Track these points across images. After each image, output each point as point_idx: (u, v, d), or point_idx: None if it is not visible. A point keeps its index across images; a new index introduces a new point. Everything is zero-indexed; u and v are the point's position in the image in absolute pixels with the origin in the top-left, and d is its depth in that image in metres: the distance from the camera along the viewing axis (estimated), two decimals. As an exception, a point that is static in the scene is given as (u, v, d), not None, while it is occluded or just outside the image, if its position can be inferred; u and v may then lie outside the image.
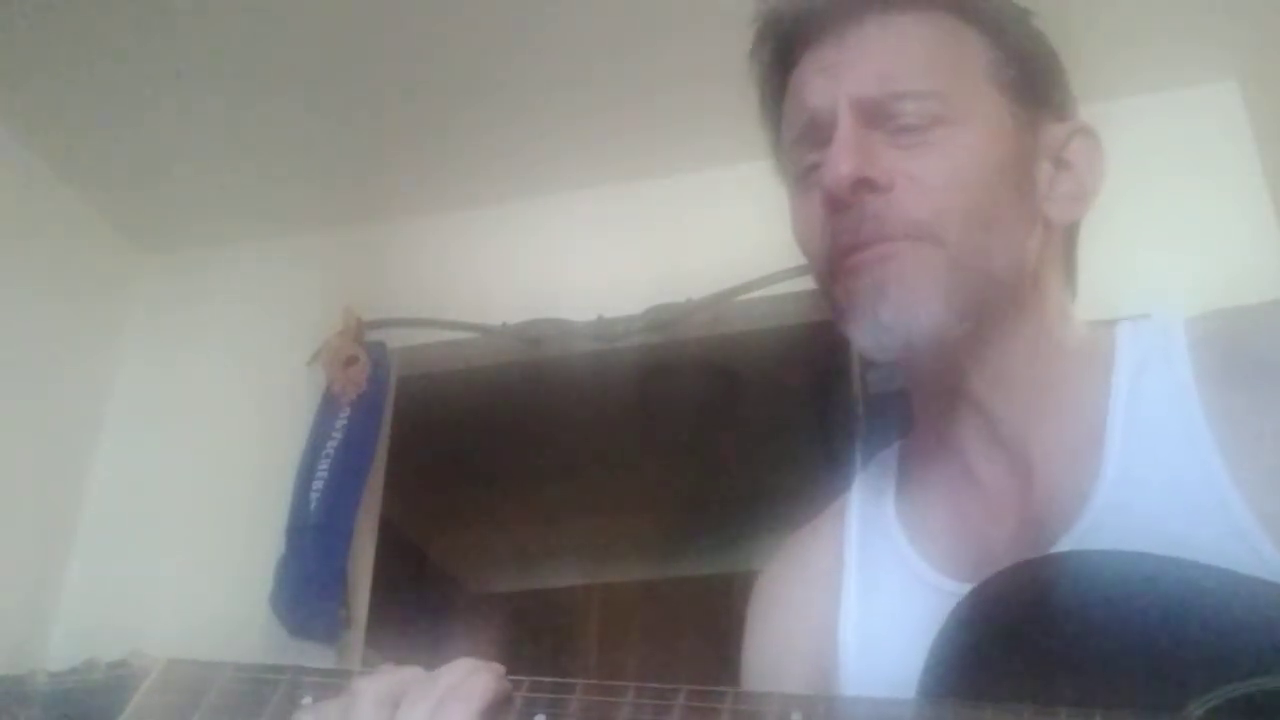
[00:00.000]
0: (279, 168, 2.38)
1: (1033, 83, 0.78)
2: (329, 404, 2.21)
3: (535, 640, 3.88)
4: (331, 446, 2.16)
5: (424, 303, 2.33)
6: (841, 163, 0.72)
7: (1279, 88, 2.01)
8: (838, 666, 0.78)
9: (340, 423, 2.18)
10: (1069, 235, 0.82)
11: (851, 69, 0.76)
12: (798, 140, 0.79)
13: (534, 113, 2.23)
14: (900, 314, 0.71)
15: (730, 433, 3.11)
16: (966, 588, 0.71)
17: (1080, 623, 0.61)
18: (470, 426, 2.89)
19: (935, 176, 0.72)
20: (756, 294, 2.15)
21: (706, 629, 3.67)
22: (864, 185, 0.72)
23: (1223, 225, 1.99)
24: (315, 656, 2.06)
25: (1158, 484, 0.68)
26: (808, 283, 2.38)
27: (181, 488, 2.32)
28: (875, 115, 0.74)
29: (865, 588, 0.80)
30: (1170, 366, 0.72)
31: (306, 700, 0.68)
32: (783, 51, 0.82)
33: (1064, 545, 0.69)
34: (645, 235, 2.33)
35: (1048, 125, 0.78)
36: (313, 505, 2.09)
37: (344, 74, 2.15)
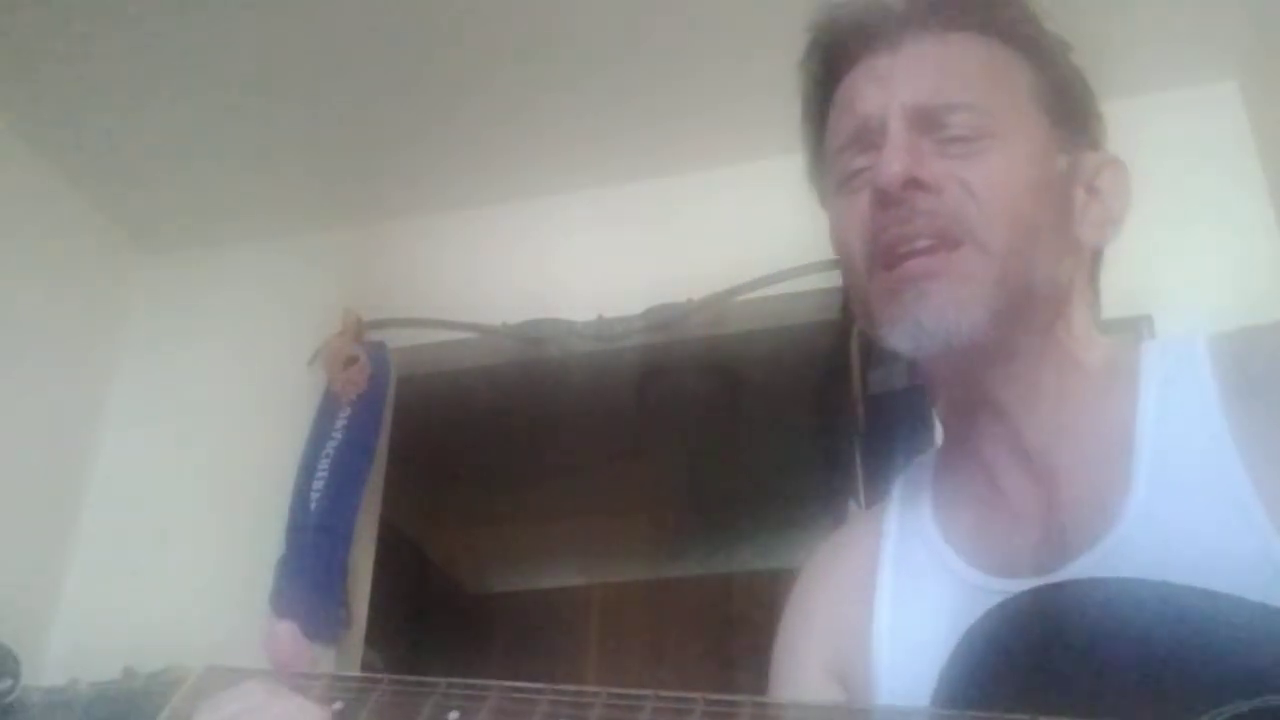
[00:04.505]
0: (279, 168, 2.38)
1: (1071, 111, 0.81)
2: (329, 404, 2.21)
3: (535, 640, 3.89)
4: (331, 446, 2.16)
5: (424, 303, 2.33)
6: (895, 161, 0.74)
7: (1279, 88, 2.01)
8: (870, 657, 0.79)
9: (340, 423, 2.18)
10: (1094, 261, 0.84)
11: (905, 78, 0.78)
12: (844, 147, 0.81)
13: (534, 113, 2.23)
14: (942, 318, 0.73)
15: (730, 433, 3.11)
16: (996, 581, 0.74)
17: (1094, 647, 0.62)
18: (470, 426, 2.89)
19: (984, 184, 0.74)
20: (756, 294, 2.16)
21: (706, 629, 3.68)
22: (915, 184, 0.74)
23: (1222, 225, 1.99)
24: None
25: (1185, 501, 0.69)
26: (808, 283, 2.38)
27: (182, 487, 2.32)
28: (926, 124, 0.76)
29: (900, 580, 0.82)
30: (1195, 384, 0.74)
31: (337, 705, 0.70)
32: (834, 61, 0.84)
33: (1091, 559, 0.70)
34: (645, 235, 2.33)
35: (1083, 153, 0.81)
36: (313, 505, 2.09)
37: (344, 74, 2.15)
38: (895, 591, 0.81)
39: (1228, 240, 1.97)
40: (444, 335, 2.32)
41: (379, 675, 0.72)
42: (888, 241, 0.75)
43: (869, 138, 0.78)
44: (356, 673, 0.74)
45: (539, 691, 0.66)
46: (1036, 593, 0.67)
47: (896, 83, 0.78)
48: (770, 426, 2.94)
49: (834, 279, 2.04)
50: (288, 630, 0.74)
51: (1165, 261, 1.87)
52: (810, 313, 2.15)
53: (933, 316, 0.73)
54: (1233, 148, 2.05)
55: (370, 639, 2.17)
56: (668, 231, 2.32)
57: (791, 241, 1.99)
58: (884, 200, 0.75)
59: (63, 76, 2.13)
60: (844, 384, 2.04)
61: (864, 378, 1.95)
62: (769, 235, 2.12)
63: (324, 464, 2.14)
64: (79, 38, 2.04)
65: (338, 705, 0.70)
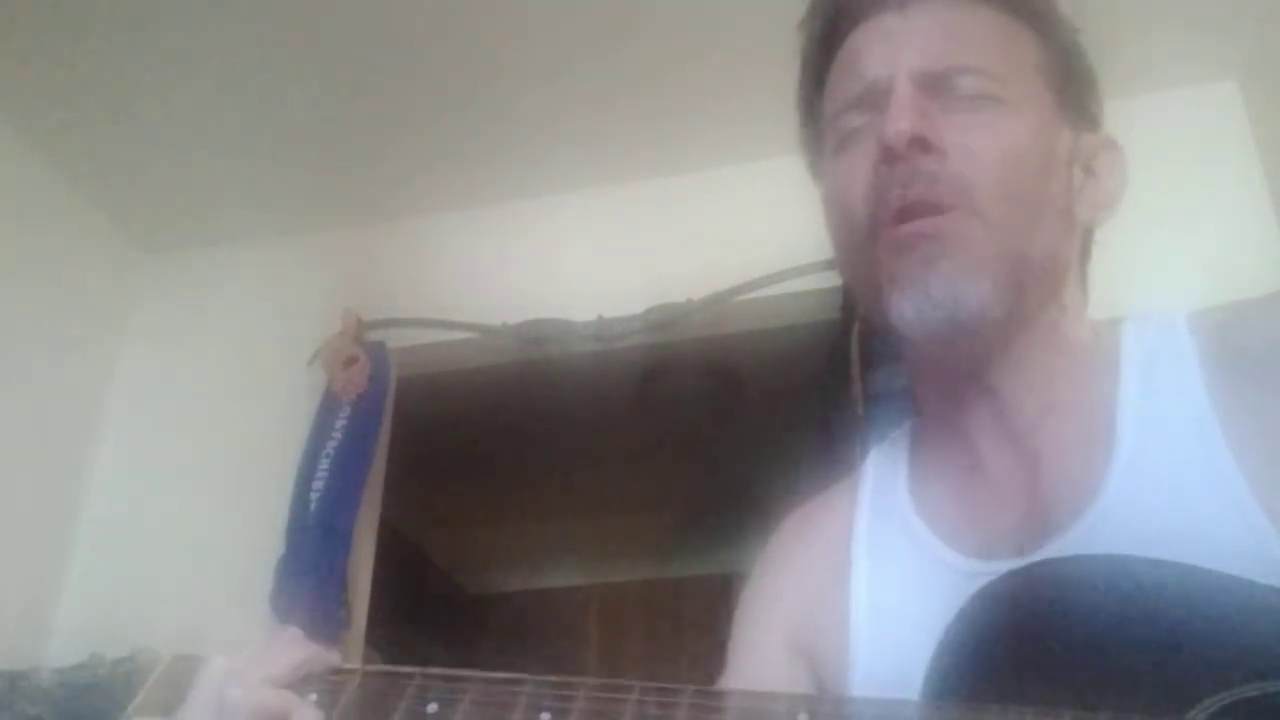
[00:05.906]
0: (278, 168, 2.38)
1: (1074, 90, 0.81)
2: (329, 404, 2.21)
3: (535, 640, 3.88)
4: (331, 446, 2.16)
5: (424, 303, 2.33)
6: (901, 118, 0.73)
7: (1279, 88, 2.01)
8: (848, 635, 0.78)
9: (340, 423, 2.18)
10: (1086, 242, 0.83)
11: (913, 39, 0.77)
12: (846, 108, 0.80)
13: (533, 112, 2.23)
14: (949, 289, 0.72)
15: (730, 433, 3.11)
16: (974, 563, 0.73)
17: (1086, 626, 0.61)
18: (470, 426, 2.89)
19: (987, 150, 0.74)
20: (756, 294, 2.15)
21: (706, 629, 3.68)
22: (919, 144, 0.73)
23: (1222, 225, 1.99)
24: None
25: (1167, 479, 0.69)
26: (808, 283, 2.37)
27: (182, 487, 2.32)
28: (933, 86, 0.75)
29: (876, 557, 0.81)
30: (1177, 362, 0.73)
31: (312, 696, 0.70)
32: (839, 20, 0.83)
33: (1072, 537, 0.69)
34: (645, 235, 2.33)
35: (1082, 133, 0.81)
36: (313, 505, 2.09)
37: (343, 73, 2.15)
38: (871, 569, 0.80)
39: (1228, 240, 1.97)
40: (444, 335, 2.32)
41: (355, 666, 0.72)
42: (889, 201, 0.74)
43: (873, 99, 0.77)
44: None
45: (520, 682, 0.65)
46: (1016, 574, 0.66)
47: (905, 44, 0.77)
48: (770, 426, 2.94)
49: (834, 279, 2.04)
50: (295, 635, 0.74)
51: (1164, 262, 1.87)
52: (810, 313, 2.15)
53: (941, 284, 0.71)
54: (1233, 147, 2.05)
55: (370, 639, 2.17)
56: (668, 231, 2.32)
57: (791, 241, 1.99)
58: (888, 157, 0.73)
59: (62, 76, 2.13)
60: (844, 384, 2.04)
61: (864, 378, 1.95)
62: (769, 235, 2.12)
63: (324, 464, 2.14)
64: (79, 37, 2.04)
65: (312, 696, 0.70)
